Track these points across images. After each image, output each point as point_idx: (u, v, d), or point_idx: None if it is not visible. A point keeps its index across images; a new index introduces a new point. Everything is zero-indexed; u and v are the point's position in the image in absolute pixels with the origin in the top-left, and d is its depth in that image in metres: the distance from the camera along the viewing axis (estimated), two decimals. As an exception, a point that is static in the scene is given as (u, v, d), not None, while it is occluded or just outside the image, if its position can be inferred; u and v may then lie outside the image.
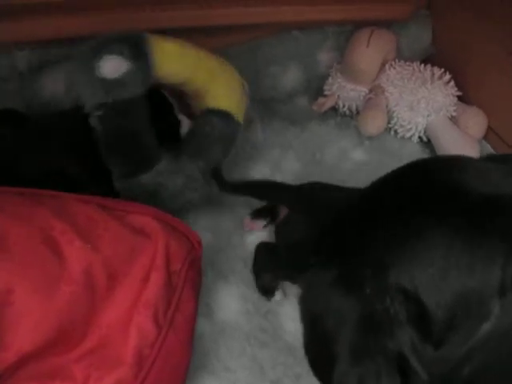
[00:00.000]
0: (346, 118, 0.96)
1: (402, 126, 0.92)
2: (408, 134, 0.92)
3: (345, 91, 0.96)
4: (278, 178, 0.85)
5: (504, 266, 0.34)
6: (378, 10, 0.96)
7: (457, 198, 0.38)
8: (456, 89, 0.92)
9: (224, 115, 0.76)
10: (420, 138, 0.93)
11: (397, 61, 0.95)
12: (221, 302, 0.69)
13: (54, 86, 0.86)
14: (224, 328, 0.67)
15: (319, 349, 0.43)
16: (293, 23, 0.95)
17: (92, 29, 0.81)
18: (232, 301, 0.70)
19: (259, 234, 0.77)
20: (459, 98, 0.93)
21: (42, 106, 0.86)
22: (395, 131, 0.93)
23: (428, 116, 0.90)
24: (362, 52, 0.91)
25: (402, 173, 0.45)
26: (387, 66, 0.94)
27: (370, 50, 0.91)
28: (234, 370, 0.64)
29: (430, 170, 0.43)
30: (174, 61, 0.72)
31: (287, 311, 0.69)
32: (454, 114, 0.91)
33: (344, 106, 0.97)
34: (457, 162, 0.43)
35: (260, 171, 0.86)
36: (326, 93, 0.98)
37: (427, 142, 0.93)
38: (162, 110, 0.78)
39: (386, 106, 0.92)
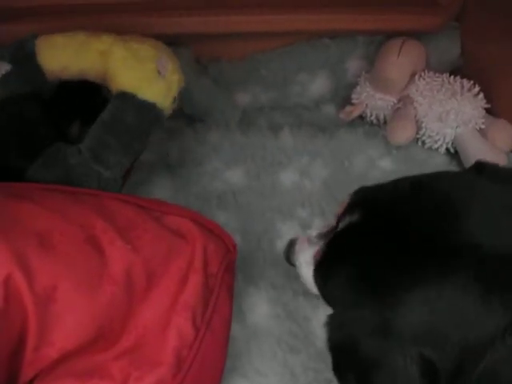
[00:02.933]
0: (374, 127, 0.96)
1: (430, 136, 0.92)
2: (436, 145, 0.92)
3: (373, 100, 0.96)
4: (307, 184, 0.86)
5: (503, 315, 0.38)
6: (408, 20, 0.97)
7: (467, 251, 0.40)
8: (485, 101, 0.92)
9: (121, 96, 0.72)
10: (447, 149, 0.93)
11: (426, 72, 0.95)
12: (252, 305, 0.70)
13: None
14: (255, 332, 0.67)
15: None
16: (324, 31, 0.96)
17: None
18: (262, 305, 0.70)
19: (289, 238, 0.78)
20: (487, 110, 0.93)
21: None
22: (423, 142, 0.94)
23: (456, 128, 0.90)
24: (392, 62, 0.92)
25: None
26: (416, 77, 0.94)
27: (400, 61, 0.91)
28: (265, 373, 0.64)
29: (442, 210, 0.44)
30: (61, 52, 0.75)
31: (318, 317, 0.69)
32: (482, 126, 0.91)
33: (371, 115, 0.98)
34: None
35: (289, 177, 0.86)
36: (353, 101, 0.99)
37: (454, 154, 0.93)
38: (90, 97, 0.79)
39: (415, 117, 0.92)
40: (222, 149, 0.88)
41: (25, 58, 0.74)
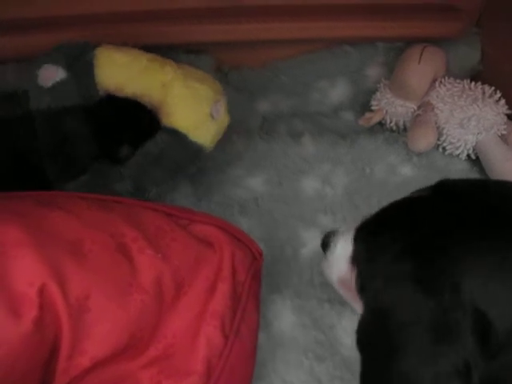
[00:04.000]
0: (394, 134, 0.96)
1: (451, 143, 0.92)
2: (457, 152, 0.92)
3: (393, 107, 0.96)
4: (329, 192, 0.86)
5: None
6: (428, 27, 0.97)
7: None
8: (506, 107, 0.92)
9: (173, 133, 0.72)
10: (468, 155, 0.93)
11: (447, 78, 0.95)
12: (277, 314, 0.70)
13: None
14: (281, 340, 0.67)
15: (377, 335, 0.45)
16: (344, 38, 0.96)
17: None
18: (287, 313, 0.70)
19: (312, 246, 0.78)
20: (508, 116, 0.93)
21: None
22: (443, 148, 0.93)
23: (478, 134, 0.90)
24: (413, 69, 0.92)
25: (485, 185, 0.46)
26: (437, 83, 0.94)
27: (421, 67, 0.91)
28: (291, 382, 0.64)
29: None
30: (122, 72, 0.72)
31: (344, 325, 0.69)
32: (503, 132, 0.91)
33: (391, 122, 0.98)
34: None
35: (311, 185, 0.86)
36: (373, 108, 0.99)
37: (475, 160, 0.93)
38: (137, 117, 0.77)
39: (436, 123, 0.92)
40: (243, 156, 0.88)
41: (82, 69, 0.71)
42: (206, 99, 0.73)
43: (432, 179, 0.88)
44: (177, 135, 0.72)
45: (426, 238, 0.44)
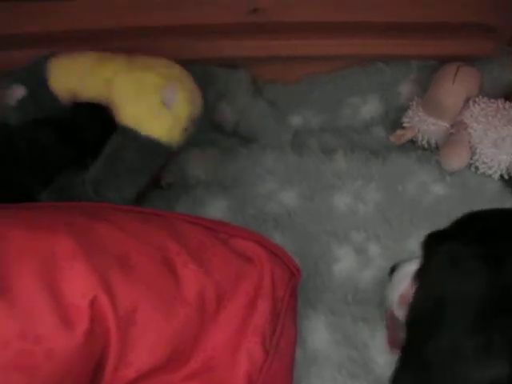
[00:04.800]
0: (426, 152, 0.96)
1: (484, 162, 0.91)
2: (490, 171, 0.92)
3: (425, 125, 0.96)
4: (361, 208, 0.86)
5: None
6: (461, 45, 0.97)
7: None
8: (541, 128, 0.92)
9: (123, 131, 0.68)
10: (501, 175, 0.92)
11: (480, 97, 0.95)
12: (311, 330, 0.70)
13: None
14: (315, 356, 0.67)
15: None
16: (378, 56, 0.97)
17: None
18: (321, 330, 0.70)
19: (346, 263, 0.78)
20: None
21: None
22: (476, 167, 0.93)
23: (512, 154, 0.90)
24: (447, 88, 0.92)
25: None
26: (471, 103, 0.94)
27: (455, 87, 0.91)
28: (325, 399, 0.64)
29: None
30: (70, 78, 0.73)
31: (377, 344, 0.69)
32: (537, 153, 0.90)
33: (423, 140, 0.98)
34: None
35: (343, 201, 0.86)
36: (404, 125, 0.99)
37: (508, 180, 0.93)
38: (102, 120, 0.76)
39: (469, 142, 0.92)
40: (276, 170, 0.88)
41: (38, 83, 0.74)
42: (154, 87, 0.67)
43: (464, 198, 0.89)
44: (127, 132, 0.68)
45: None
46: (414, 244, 0.81)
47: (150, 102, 0.67)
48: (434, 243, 0.52)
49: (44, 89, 0.74)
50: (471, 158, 0.93)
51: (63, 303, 0.46)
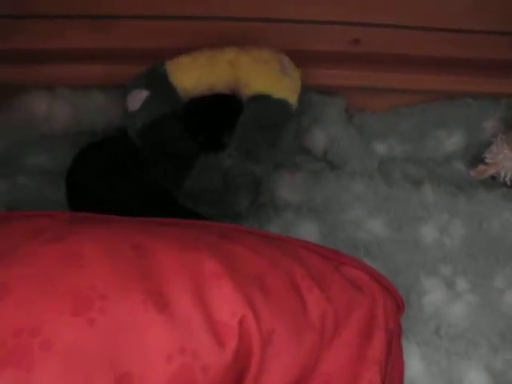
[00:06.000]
0: (511, 189, 0.97)
1: None
2: None
3: (509, 162, 0.97)
4: (447, 242, 0.87)
5: None
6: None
7: None
8: None
9: (258, 98, 0.78)
10: None
11: None
12: (405, 361, 0.71)
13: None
14: (412, 386, 0.69)
15: None
16: (466, 92, 0.99)
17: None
18: (415, 361, 0.71)
19: (435, 296, 0.79)
20: None
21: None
22: (561, 209, 0.94)
23: None
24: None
25: None
26: (558, 144, 0.95)
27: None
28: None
29: None
30: (190, 69, 0.80)
31: (471, 380, 0.70)
32: None
33: (505, 176, 0.99)
34: None
35: (429, 233, 0.88)
36: (487, 161, 1.00)
37: None
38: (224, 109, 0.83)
39: (556, 183, 0.93)
40: (365, 198, 0.90)
41: (158, 82, 0.80)
42: (271, 60, 0.80)
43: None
44: (263, 98, 0.78)
45: None
46: (500, 282, 0.83)
47: (274, 71, 0.79)
48: None
49: (165, 86, 0.80)
50: (556, 200, 0.93)
51: (215, 321, 0.48)
